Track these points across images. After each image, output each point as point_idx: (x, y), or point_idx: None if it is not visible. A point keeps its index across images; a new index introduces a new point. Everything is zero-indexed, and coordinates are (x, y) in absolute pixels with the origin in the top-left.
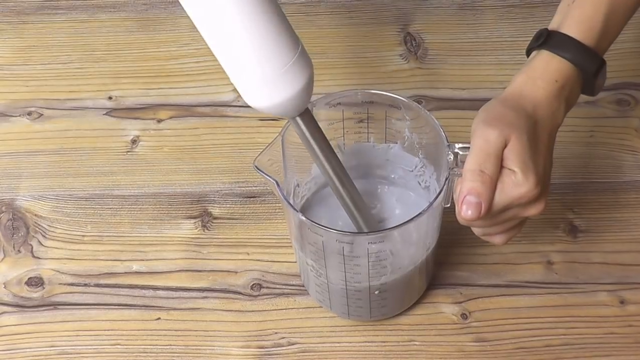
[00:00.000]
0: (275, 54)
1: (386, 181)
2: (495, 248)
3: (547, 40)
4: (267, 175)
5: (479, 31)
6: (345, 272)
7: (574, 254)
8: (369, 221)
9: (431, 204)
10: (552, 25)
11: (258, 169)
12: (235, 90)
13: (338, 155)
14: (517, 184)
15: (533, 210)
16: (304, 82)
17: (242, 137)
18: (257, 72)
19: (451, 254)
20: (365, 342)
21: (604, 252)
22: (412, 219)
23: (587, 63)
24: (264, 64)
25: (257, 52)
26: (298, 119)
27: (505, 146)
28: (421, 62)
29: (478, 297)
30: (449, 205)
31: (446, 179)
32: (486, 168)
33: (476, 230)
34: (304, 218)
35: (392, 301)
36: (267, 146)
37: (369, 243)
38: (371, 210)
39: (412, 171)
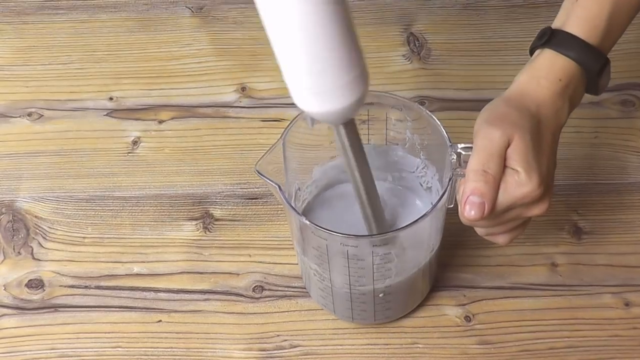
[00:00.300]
0: (331, 69)
1: (388, 183)
2: (498, 250)
3: (551, 38)
4: (270, 180)
5: (482, 31)
6: (349, 275)
7: (579, 256)
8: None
9: (435, 205)
10: (555, 24)
11: (260, 173)
12: (237, 90)
13: (339, 159)
14: (520, 183)
15: (537, 210)
16: (354, 100)
17: (244, 138)
18: (309, 80)
19: (454, 255)
20: (368, 344)
21: (608, 254)
22: (416, 220)
23: (591, 62)
24: (317, 75)
25: (313, 62)
26: (340, 127)
27: (508, 146)
28: (424, 62)
29: (482, 300)
30: (452, 205)
31: (449, 180)
32: (489, 168)
33: (479, 231)
34: (307, 222)
35: (396, 304)
36: (269, 150)
37: (373, 246)
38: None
39: (414, 172)
